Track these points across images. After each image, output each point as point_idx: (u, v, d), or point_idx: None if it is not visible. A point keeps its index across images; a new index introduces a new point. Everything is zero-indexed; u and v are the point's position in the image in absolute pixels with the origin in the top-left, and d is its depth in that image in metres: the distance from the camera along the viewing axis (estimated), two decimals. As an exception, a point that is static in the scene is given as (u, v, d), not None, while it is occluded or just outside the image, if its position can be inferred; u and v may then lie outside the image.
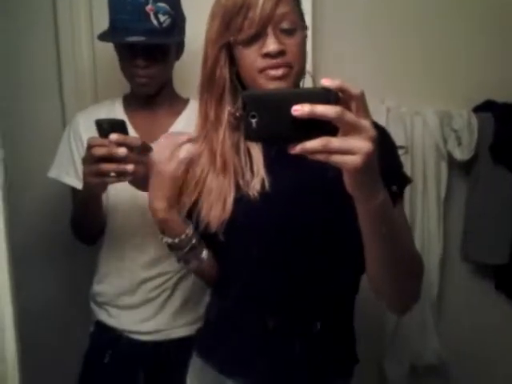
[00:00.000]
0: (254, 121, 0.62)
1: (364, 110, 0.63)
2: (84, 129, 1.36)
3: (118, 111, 1.40)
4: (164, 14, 1.24)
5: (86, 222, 1.35)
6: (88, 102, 1.63)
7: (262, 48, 0.88)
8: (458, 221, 1.80)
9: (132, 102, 1.41)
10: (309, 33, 1.54)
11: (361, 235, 0.77)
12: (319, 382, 0.99)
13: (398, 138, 1.70)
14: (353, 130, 0.61)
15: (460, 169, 1.80)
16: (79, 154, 1.35)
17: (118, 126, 1.01)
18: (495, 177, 1.73)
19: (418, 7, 1.75)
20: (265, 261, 0.94)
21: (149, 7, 1.22)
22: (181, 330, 1.37)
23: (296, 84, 0.92)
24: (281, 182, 0.93)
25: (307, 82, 0.96)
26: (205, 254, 1.01)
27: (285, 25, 0.88)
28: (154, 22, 1.23)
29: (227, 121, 0.95)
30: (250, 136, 0.63)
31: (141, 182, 1.04)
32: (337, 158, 0.61)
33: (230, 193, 0.94)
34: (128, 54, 1.29)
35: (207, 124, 0.96)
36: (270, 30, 0.87)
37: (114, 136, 0.97)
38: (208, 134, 0.96)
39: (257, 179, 0.93)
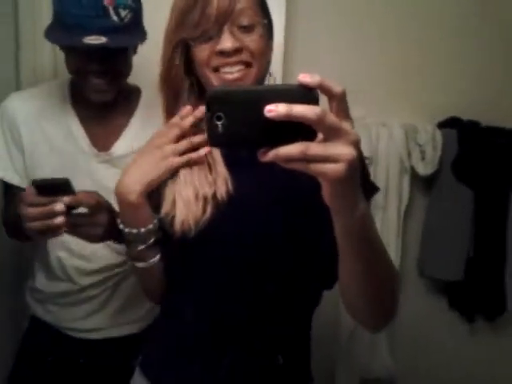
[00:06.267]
0: (219, 123, 0.52)
1: (345, 111, 0.55)
2: (22, 118, 1.20)
3: (67, 111, 1.22)
4: (125, 8, 1.07)
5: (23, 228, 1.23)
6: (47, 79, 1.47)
7: (217, 45, 0.82)
8: (417, 235, 1.80)
9: (82, 97, 1.21)
10: (280, 41, 1.52)
11: (329, 249, 0.71)
12: None
13: (363, 148, 1.66)
14: (333, 133, 0.52)
15: (422, 183, 1.79)
16: (16, 146, 1.21)
17: (62, 186, 0.90)
18: (456, 193, 1.72)
19: (387, 21, 1.72)
20: (226, 277, 0.88)
21: (107, 0, 1.04)
22: (123, 329, 1.31)
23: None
24: (242, 188, 0.86)
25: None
26: (158, 256, 0.93)
27: (243, 21, 0.82)
28: (114, 17, 1.05)
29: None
30: (215, 141, 0.53)
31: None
32: (317, 167, 0.52)
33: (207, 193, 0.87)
34: (81, 57, 1.10)
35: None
36: (226, 27, 0.81)
37: (60, 206, 0.87)
38: None
39: (220, 181, 0.86)
